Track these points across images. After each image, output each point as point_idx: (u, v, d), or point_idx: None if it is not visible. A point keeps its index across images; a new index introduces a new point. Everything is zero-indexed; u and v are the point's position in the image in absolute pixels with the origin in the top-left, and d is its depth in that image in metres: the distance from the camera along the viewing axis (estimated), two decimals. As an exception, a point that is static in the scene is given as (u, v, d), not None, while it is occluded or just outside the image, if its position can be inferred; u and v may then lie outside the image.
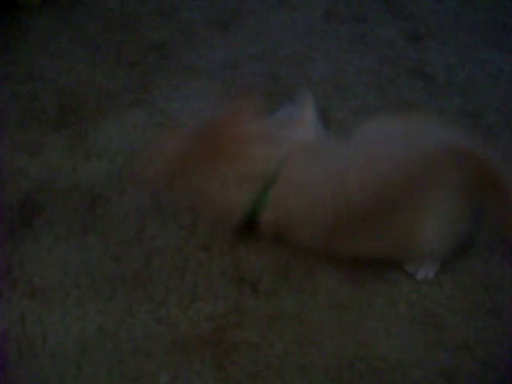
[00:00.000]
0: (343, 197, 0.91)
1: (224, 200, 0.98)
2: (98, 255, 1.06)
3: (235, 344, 0.94)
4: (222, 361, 0.92)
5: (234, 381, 0.90)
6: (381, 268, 1.01)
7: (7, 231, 1.11)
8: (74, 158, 1.23)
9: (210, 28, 1.56)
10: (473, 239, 1.03)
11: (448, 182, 0.92)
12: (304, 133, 1.05)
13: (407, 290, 0.99)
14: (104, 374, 0.91)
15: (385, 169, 0.90)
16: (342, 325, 0.96)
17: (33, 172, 1.21)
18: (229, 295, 0.99)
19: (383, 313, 0.97)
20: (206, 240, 1.07)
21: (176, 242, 1.07)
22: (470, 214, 0.95)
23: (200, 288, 1.00)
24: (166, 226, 1.09)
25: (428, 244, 0.95)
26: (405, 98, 1.34)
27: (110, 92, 1.37)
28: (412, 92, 1.36)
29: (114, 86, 1.39)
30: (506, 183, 0.92)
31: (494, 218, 0.98)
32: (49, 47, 1.53)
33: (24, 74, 1.45)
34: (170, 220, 1.10)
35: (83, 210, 1.13)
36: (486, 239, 1.04)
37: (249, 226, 0.99)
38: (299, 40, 1.51)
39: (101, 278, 1.03)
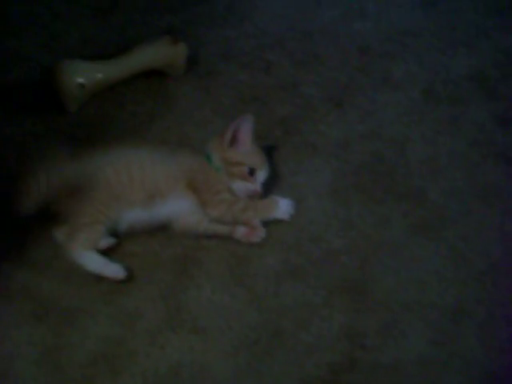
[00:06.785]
0: None
1: None
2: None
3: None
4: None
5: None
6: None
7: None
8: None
9: (326, 104, 1.85)
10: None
11: None
12: None
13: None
14: None
15: None
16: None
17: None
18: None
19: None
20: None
21: (304, 299, 1.40)
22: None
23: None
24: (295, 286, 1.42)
25: None
26: (488, 182, 1.60)
27: (244, 164, 1.70)
28: (495, 176, 1.62)
29: (248, 159, 1.72)
30: None
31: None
32: (194, 116, 1.86)
33: (175, 141, 1.80)
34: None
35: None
36: None
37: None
38: (400, 120, 1.79)
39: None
